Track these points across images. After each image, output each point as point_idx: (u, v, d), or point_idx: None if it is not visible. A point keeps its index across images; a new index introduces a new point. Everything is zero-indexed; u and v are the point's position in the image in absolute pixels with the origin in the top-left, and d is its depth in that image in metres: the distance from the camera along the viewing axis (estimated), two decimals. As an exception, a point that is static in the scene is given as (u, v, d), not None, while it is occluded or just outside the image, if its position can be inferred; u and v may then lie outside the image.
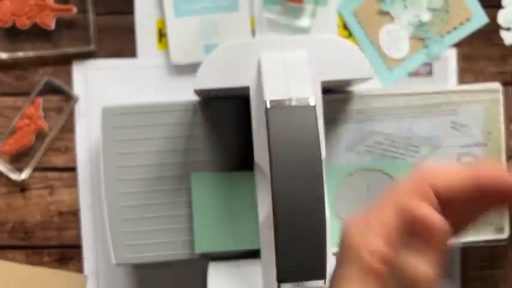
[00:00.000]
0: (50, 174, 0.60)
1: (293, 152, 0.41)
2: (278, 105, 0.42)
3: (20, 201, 0.60)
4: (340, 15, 0.60)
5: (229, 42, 0.47)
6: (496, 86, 0.54)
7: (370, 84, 0.56)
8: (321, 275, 0.41)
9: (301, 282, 0.41)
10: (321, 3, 0.59)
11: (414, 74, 0.61)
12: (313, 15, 0.59)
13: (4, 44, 0.59)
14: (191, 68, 0.60)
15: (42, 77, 0.59)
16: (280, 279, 0.41)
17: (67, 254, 0.60)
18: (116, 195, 0.53)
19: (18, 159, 0.60)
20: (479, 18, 0.60)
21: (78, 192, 0.60)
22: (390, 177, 0.54)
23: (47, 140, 0.59)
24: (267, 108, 0.42)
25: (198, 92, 0.49)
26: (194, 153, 0.53)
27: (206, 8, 0.59)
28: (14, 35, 0.59)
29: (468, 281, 0.62)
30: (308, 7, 0.59)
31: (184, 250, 0.53)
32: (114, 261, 0.53)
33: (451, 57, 0.60)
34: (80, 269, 0.60)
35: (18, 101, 0.60)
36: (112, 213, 0.53)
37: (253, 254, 0.53)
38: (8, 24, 0.58)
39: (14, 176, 0.59)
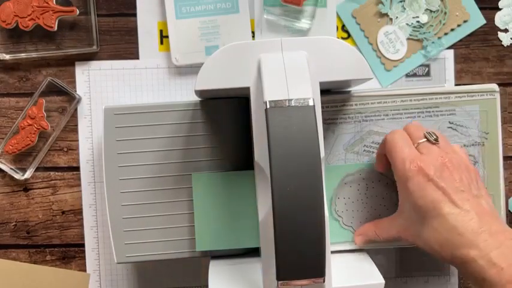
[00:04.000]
0: (52, 173, 0.60)
1: (292, 152, 0.41)
2: (278, 105, 0.42)
3: (23, 200, 0.60)
4: (339, 17, 0.61)
5: (229, 43, 0.48)
6: (493, 86, 0.54)
7: (369, 85, 0.56)
8: (320, 273, 0.41)
9: (300, 281, 0.42)
10: (320, 4, 0.60)
11: (412, 74, 0.61)
12: (312, 16, 0.59)
13: (7, 45, 0.60)
14: (192, 69, 0.60)
15: (45, 77, 0.59)
16: (280, 278, 0.41)
17: (69, 253, 0.61)
18: (117, 194, 0.53)
19: (21, 159, 0.60)
20: (477, 20, 0.61)
21: (81, 191, 0.60)
22: (388, 177, 0.54)
23: (50, 140, 0.60)
24: (266, 108, 0.42)
25: (199, 93, 0.49)
26: (194, 153, 0.53)
27: (207, 10, 0.59)
28: (17, 36, 0.59)
29: (465, 279, 0.62)
30: (307, 9, 0.59)
31: (185, 249, 0.53)
32: (115, 260, 0.53)
33: (448, 58, 0.61)
34: (82, 268, 0.61)
35: (21, 101, 0.60)
36: (113, 213, 0.53)
37: (254, 252, 0.54)
38: (11, 26, 0.58)
39: (17, 176, 0.60)
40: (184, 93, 0.60)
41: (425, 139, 0.49)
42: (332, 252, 0.52)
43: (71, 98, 0.60)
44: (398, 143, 0.48)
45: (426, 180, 0.46)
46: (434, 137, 0.49)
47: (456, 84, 0.61)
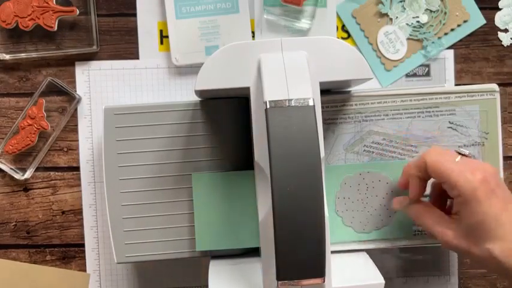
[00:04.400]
0: (52, 173, 0.60)
1: (292, 152, 0.41)
2: (278, 105, 0.42)
3: (23, 200, 0.60)
4: (339, 17, 0.61)
5: (229, 43, 0.48)
6: (493, 86, 0.54)
7: (369, 85, 0.56)
8: (320, 274, 0.41)
9: (300, 281, 0.42)
10: (320, 4, 0.60)
11: (412, 75, 0.61)
12: (312, 16, 0.59)
13: (7, 45, 0.60)
14: (192, 69, 0.60)
15: (45, 77, 0.59)
16: (280, 278, 0.41)
17: (69, 253, 0.61)
18: (117, 194, 0.53)
19: (21, 159, 0.60)
20: (477, 20, 0.61)
21: (81, 191, 0.60)
22: (389, 177, 0.54)
23: (50, 140, 0.60)
24: (266, 108, 0.42)
25: (199, 93, 0.49)
26: (194, 153, 0.53)
27: (207, 10, 0.59)
28: (17, 36, 0.59)
29: (466, 279, 0.62)
30: (307, 9, 0.59)
31: (185, 249, 0.53)
32: (115, 260, 0.53)
33: (448, 58, 0.61)
34: (82, 268, 0.61)
35: (21, 101, 0.60)
36: (113, 213, 0.53)
37: (254, 252, 0.54)
38: (11, 26, 0.58)
39: (17, 176, 0.60)
40: (184, 93, 0.60)
41: (461, 155, 0.49)
42: (332, 252, 0.52)
43: (71, 98, 0.60)
44: (443, 159, 0.48)
45: (490, 190, 0.46)
46: (467, 152, 0.49)
47: (456, 84, 0.61)
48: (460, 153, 0.49)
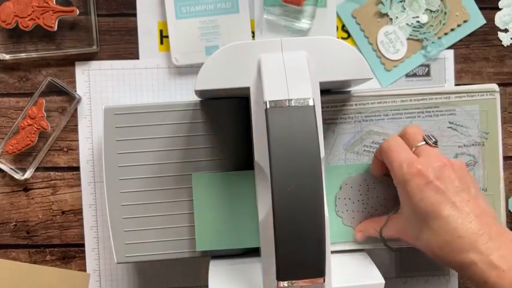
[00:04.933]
0: (52, 173, 0.60)
1: (292, 152, 0.41)
2: (278, 105, 0.42)
3: (23, 200, 0.60)
4: (339, 17, 0.61)
5: (229, 43, 0.48)
6: (493, 86, 0.54)
7: (369, 85, 0.56)
8: (320, 273, 0.41)
9: (300, 281, 0.42)
10: (320, 4, 0.60)
11: (412, 74, 0.61)
12: (312, 16, 0.59)
13: (7, 45, 0.60)
14: (192, 69, 0.60)
15: (45, 77, 0.59)
16: (280, 278, 0.41)
17: (69, 253, 0.61)
18: (117, 194, 0.53)
19: (21, 159, 0.60)
20: (477, 20, 0.61)
21: (81, 191, 0.60)
22: (388, 177, 0.54)
23: (50, 140, 0.60)
24: (266, 108, 0.42)
25: (199, 93, 0.49)
26: (194, 153, 0.53)
27: (207, 10, 0.59)
28: (17, 36, 0.60)
29: (466, 279, 0.62)
30: (307, 9, 0.59)
31: (185, 249, 0.53)
32: (115, 260, 0.53)
33: (448, 58, 0.61)
34: (82, 268, 0.61)
35: (21, 101, 0.60)
36: (113, 213, 0.53)
37: (254, 252, 0.54)
38: (11, 26, 0.58)
39: (17, 176, 0.60)
40: (184, 93, 0.60)
41: (424, 142, 0.49)
42: (332, 252, 0.52)
43: (71, 98, 0.60)
44: (394, 149, 0.48)
45: (425, 183, 0.45)
46: (434, 140, 0.49)
47: (456, 84, 0.61)
48: (424, 140, 0.49)
